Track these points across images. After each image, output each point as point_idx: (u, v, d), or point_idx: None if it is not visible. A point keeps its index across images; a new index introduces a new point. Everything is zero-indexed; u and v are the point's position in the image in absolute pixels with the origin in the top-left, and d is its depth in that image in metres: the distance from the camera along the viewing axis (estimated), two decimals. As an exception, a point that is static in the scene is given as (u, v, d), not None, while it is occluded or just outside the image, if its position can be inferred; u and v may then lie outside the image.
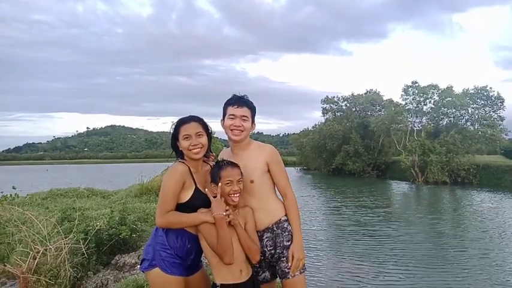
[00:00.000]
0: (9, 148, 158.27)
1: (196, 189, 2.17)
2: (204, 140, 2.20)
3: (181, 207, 2.13)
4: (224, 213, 2.05)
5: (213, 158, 2.38)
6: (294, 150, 57.63)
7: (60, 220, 6.34)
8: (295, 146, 52.19)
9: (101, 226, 5.96)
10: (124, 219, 6.20)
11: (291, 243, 2.32)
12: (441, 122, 31.17)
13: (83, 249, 5.24)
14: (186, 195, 2.15)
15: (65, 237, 5.13)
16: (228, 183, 2.12)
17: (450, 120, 30.61)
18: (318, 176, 39.32)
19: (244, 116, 2.33)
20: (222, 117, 2.42)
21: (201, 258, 2.37)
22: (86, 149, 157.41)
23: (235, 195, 2.13)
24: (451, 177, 28.43)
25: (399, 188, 27.00)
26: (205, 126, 2.24)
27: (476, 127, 29.99)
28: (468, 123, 30.54)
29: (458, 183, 27.88)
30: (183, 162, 2.20)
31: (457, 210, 16.22)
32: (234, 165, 2.19)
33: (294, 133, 58.87)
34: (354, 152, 37.06)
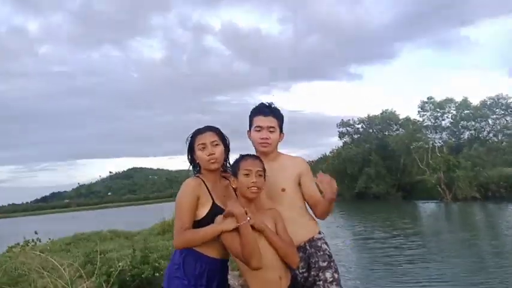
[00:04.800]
0: (37, 198, 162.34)
1: (214, 204, 2.02)
2: (220, 149, 2.08)
3: (198, 226, 1.97)
4: (245, 214, 1.87)
5: None
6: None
7: (84, 264, 6.32)
8: (314, 174, 51.58)
9: (123, 267, 5.89)
10: (146, 257, 6.13)
11: (328, 264, 2.09)
12: (462, 135, 30.52)
13: (106, 292, 5.17)
14: (202, 212, 1.99)
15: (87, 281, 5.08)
16: (246, 174, 1.95)
17: (471, 133, 29.94)
18: (341, 202, 38.37)
19: (271, 127, 2.21)
20: (248, 128, 2.32)
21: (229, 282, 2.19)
22: (109, 193, 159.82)
23: (252, 188, 1.94)
24: (481, 192, 27.31)
25: (428, 208, 25.98)
26: (221, 136, 2.13)
27: (499, 138, 29.16)
28: (491, 135, 29.76)
29: (489, 197, 26.68)
30: (198, 177, 2.10)
31: (493, 227, 15.33)
32: (255, 157, 2.05)
33: (312, 161, 58.49)
34: (376, 174, 36.19)
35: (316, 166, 49.08)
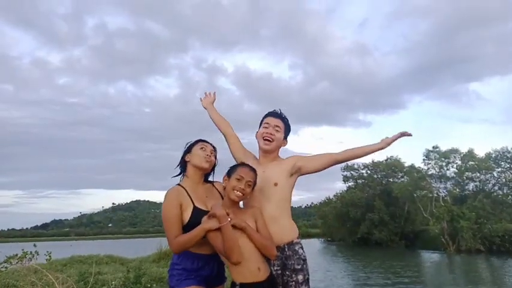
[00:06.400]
0: (37, 225, 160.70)
1: (195, 208, 2.21)
2: (214, 158, 2.41)
3: (185, 230, 2.17)
4: (226, 215, 2.09)
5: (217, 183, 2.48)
6: (317, 223, 56.14)
7: (78, 281, 6.42)
8: (318, 216, 50.89)
9: (115, 285, 6.00)
10: (139, 277, 6.24)
11: (301, 267, 2.27)
12: (467, 186, 30.23)
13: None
14: (186, 217, 2.19)
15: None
16: (238, 179, 2.18)
17: (476, 184, 29.68)
18: (343, 247, 37.53)
19: (277, 126, 2.46)
20: (258, 129, 2.55)
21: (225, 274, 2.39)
22: (110, 225, 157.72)
23: (237, 192, 2.17)
24: (485, 245, 26.67)
25: (431, 258, 25.31)
26: (216, 154, 2.46)
27: (505, 191, 28.88)
28: (496, 187, 29.50)
29: (493, 251, 26.01)
30: (179, 184, 2.35)
31: (499, 282, 14.77)
32: (253, 169, 2.25)
33: (317, 204, 57.98)
34: (379, 220, 35.53)
35: (320, 208, 48.56)
